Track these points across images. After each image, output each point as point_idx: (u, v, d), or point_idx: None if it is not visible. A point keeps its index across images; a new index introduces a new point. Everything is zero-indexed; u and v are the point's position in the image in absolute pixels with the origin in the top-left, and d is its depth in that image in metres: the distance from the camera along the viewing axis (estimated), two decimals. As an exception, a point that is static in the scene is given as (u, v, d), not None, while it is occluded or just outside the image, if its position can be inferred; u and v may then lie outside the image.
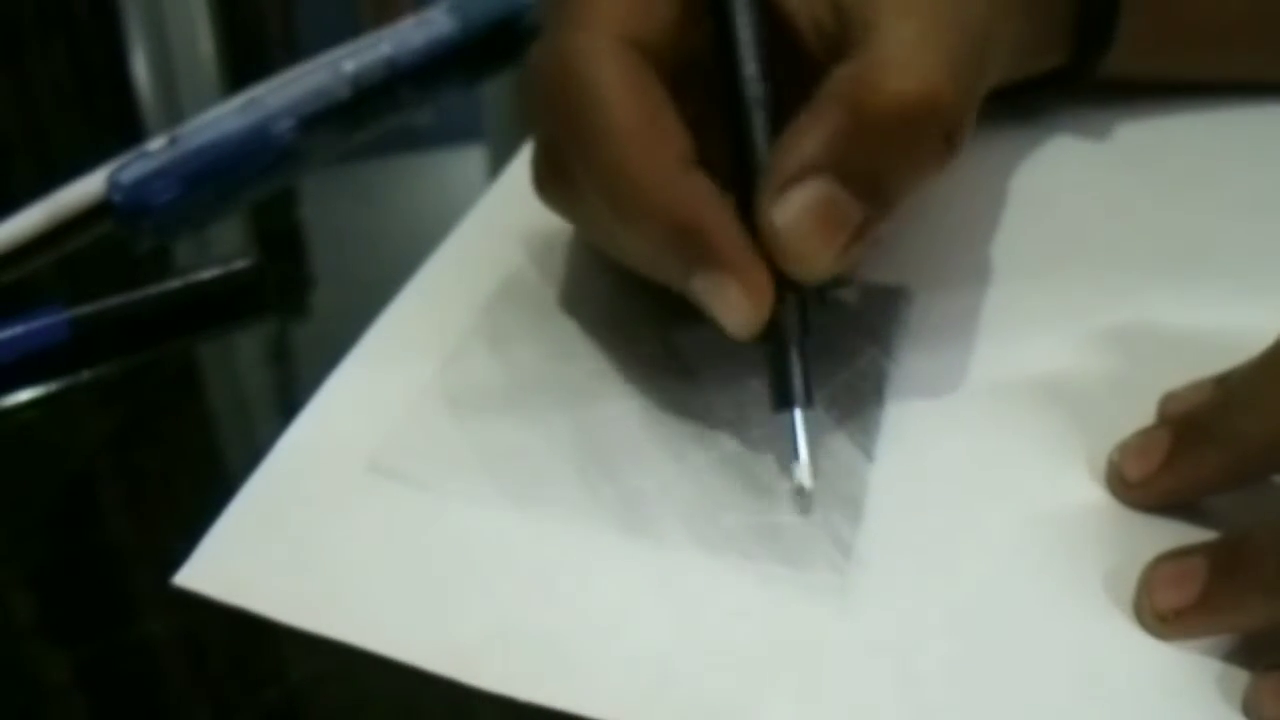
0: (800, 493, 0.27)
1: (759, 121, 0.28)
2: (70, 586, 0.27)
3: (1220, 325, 0.27)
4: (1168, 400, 0.29)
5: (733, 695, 0.24)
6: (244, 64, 0.53)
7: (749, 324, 0.26)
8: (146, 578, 0.27)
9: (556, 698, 0.24)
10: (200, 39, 0.55)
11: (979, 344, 0.32)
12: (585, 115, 0.27)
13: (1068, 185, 0.39)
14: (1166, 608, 0.24)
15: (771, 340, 0.27)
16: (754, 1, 0.28)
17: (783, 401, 0.27)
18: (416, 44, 0.48)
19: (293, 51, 0.49)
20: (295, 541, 0.27)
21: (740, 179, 0.28)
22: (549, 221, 0.35)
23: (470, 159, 0.32)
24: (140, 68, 0.52)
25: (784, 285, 0.27)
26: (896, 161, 0.26)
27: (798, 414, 0.27)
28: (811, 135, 0.26)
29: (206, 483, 0.29)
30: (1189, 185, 0.38)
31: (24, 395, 0.32)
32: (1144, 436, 0.28)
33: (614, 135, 0.26)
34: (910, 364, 0.31)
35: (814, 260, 0.26)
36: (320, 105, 0.45)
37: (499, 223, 0.37)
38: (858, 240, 0.27)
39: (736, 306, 0.26)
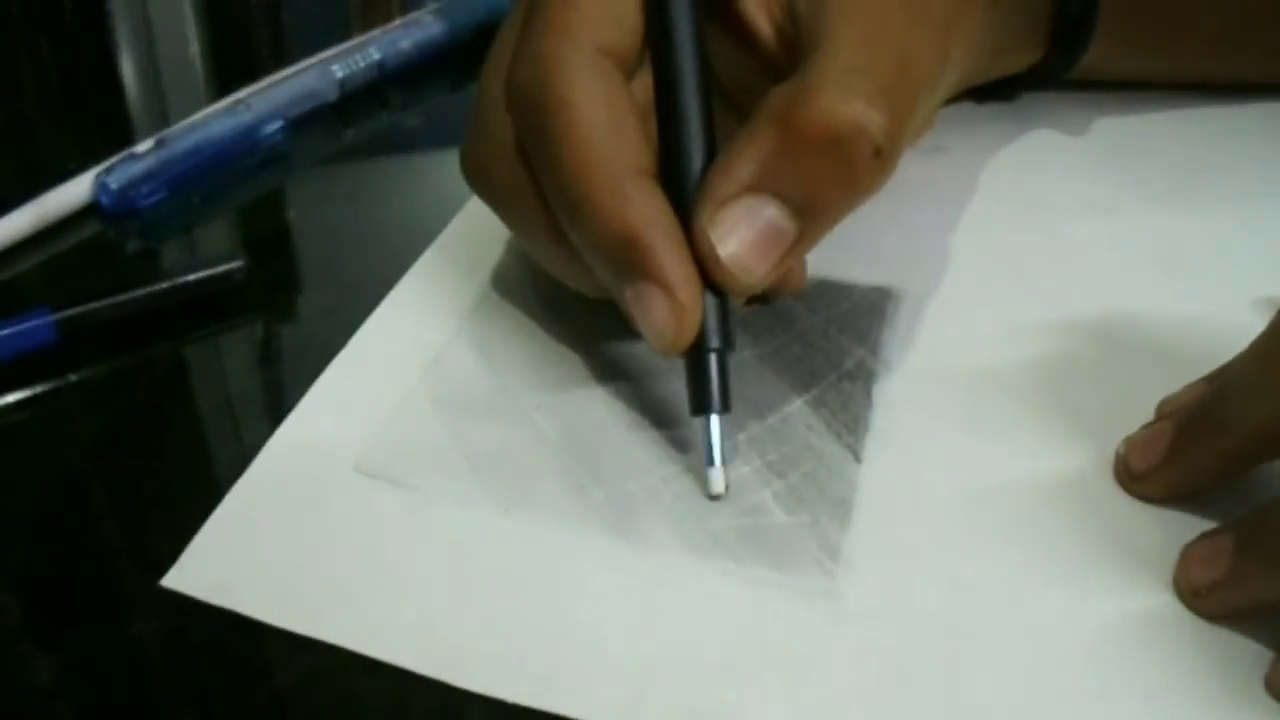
0: (714, 499, 0.28)
1: (694, 113, 0.28)
2: (58, 589, 0.27)
3: (1209, 324, 0.27)
4: (1165, 403, 0.29)
5: (720, 698, 0.24)
6: (231, 66, 0.53)
7: (672, 342, 0.27)
8: (134, 580, 0.27)
9: (543, 699, 0.24)
10: (188, 41, 0.55)
11: (966, 344, 0.32)
12: (554, 119, 0.27)
13: (1054, 185, 0.39)
14: (1200, 583, 0.25)
15: (692, 345, 0.27)
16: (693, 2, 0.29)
17: (699, 406, 0.27)
18: (404, 47, 0.48)
19: (280, 54, 0.49)
20: (283, 543, 0.27)
21: (670, 172, 0.28)
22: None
23: (457, 162, 0.32)
24: (128, 70, 0.52)
25: (708, 292, 0.27)
26: (829, 180, 0.27)
27: (714, 419, 0.27)
28: (747, 154, 0.27)
29: (194, 485, 0.29)
30: (1176, 184, 0.39)
31: (11, 398, 0.32)
32: (1148, 430, 0.28)
33: (577, 141, 0.27)
34: (898, 365, 0.32)
35: (747, 277, 0.27)
36: (308, 108, 0.45)
37: (486, 226, 0.37)
38: (791, 256, 0.27)
39: (663, 323, 0.27)
